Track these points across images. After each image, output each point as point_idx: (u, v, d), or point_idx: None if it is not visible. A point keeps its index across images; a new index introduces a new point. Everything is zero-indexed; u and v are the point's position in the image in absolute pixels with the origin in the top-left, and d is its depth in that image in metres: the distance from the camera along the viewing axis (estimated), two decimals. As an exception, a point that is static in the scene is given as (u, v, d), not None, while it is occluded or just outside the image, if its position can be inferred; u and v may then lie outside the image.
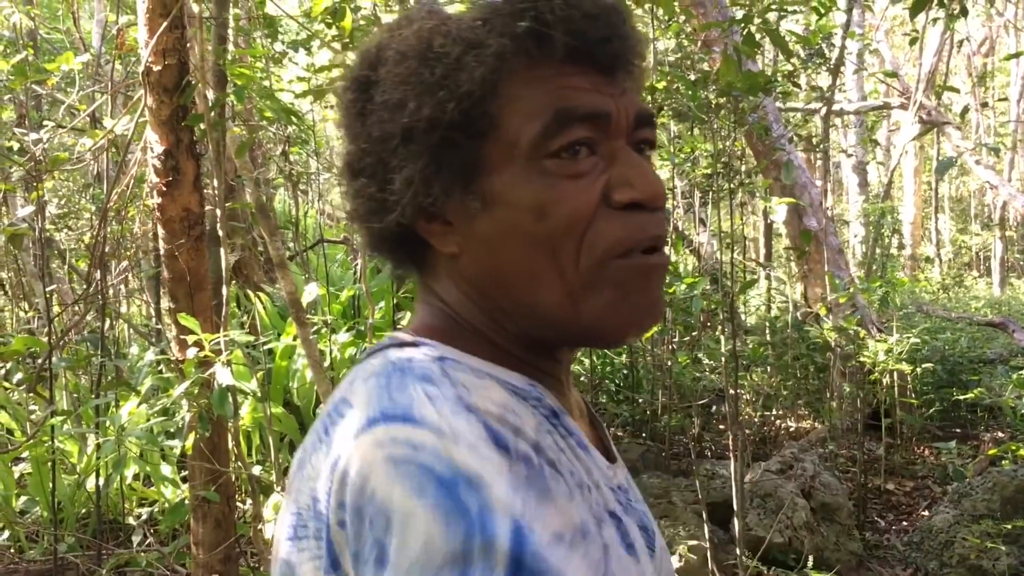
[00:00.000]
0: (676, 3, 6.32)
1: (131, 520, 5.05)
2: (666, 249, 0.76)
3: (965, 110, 6.65)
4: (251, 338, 4.13)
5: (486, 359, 0.72)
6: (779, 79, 4.61)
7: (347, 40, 4.16)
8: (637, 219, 0.70)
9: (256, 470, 4.92)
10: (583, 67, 0.71)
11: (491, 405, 0.63)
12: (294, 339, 5.56)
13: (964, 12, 5.53)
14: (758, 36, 4.12)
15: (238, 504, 4.92)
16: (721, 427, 6.42)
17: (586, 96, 0.70)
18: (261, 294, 6.63)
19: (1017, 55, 4.25)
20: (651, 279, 0.72)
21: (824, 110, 7.92)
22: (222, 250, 3.75)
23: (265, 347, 6.00)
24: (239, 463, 4.02)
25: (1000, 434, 6.55)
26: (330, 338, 5.56)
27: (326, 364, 5.24)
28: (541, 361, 0.77)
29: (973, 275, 18.60)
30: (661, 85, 4.72)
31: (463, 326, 0.75)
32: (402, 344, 0.72)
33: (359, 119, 0.74)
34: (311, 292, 5.73)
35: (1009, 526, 4.32)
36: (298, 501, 0.67)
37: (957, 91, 9.27)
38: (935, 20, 5.26)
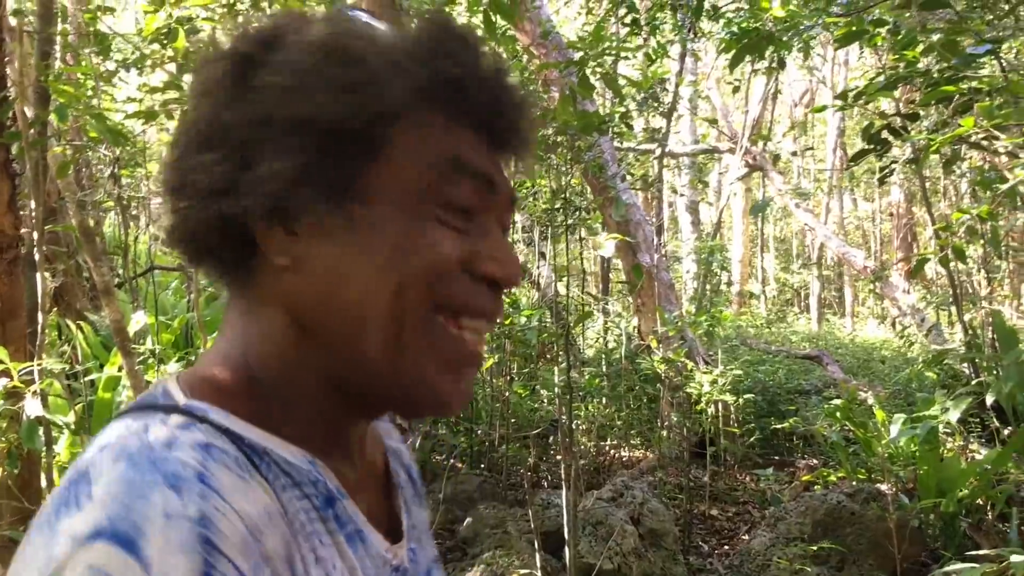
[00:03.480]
0: (518, 43, 6.51)
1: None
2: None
3: (776, 158, 7.10)
4: (65, 366, 3.91)
5: (271, 423, 0.66)
6: (615, 119, 4.80)
7: (181, 61, 4.06)
8: (487, 294, 0.70)
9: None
10: (483, 137, 0.71)
11: (237, 528, 0.56)
12: (119, 370, 5.31)
13: (782, 65, 5.96)
14: (593, 79, 4.30)
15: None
16: (558, 457, 6.55)
17: (481, 159, 0.70)
18: (83, 323, 6.30)
19: (822, 108, 4.62)
20: (470, 361, 0.71)
21: (659, 151, 8.31)
22: (39, 275, 3.56)
23: (88, 378, 5.70)
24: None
25: (814, 461, 6.98)
26: (158, 369, 5.34)
27: (153, 395, 5.03)
28: (336, 423, 0.72)
29: (794, 311, 19.82)
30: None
31: (257, 376, 0.69)
32: (172, 409, 0.64)
33: (231, 91, 0.68)
34: (138, 320, 5.49)
35: (817, 547, 4.61)
36: None
37: (769, 139, 9.90)
38: (756, 71, 5.65)
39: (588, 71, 4.17)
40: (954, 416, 4.81)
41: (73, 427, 4.38)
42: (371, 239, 0.66)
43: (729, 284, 16.63)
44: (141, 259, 9.24)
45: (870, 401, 6.21)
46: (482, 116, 0.71)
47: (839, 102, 4.29)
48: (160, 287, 8.68)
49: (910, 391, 6.93)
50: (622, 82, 5.40)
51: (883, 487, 5.32)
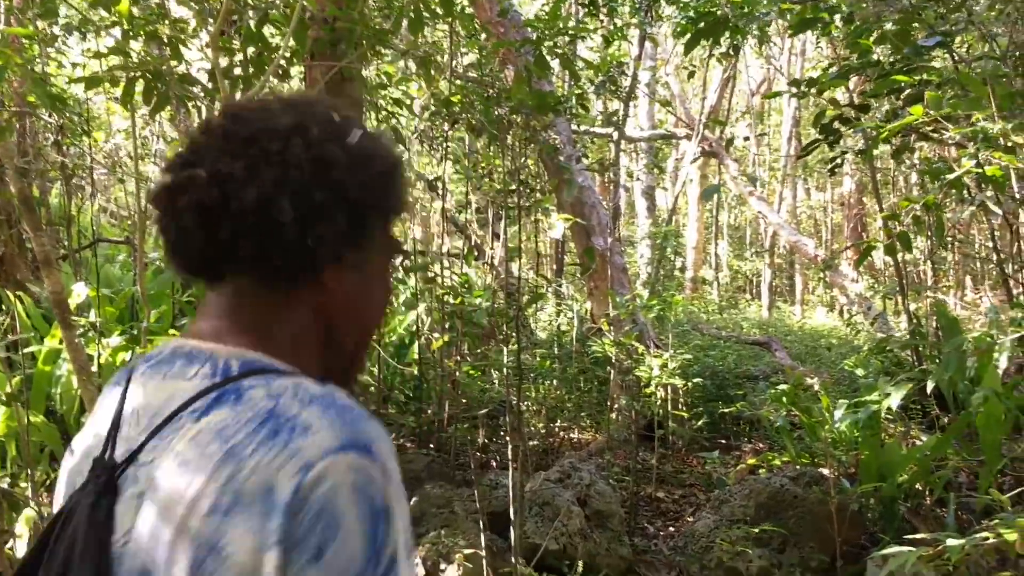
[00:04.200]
0: (476, 21, 6.45)
1: None
2: None
3: (730, 142, 7.13)
4: (3, 339, 3.80)
5: None
6: (571, 101, 4.77)
7: (126, 27, 3.94)
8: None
9: (6, 483, 4.53)
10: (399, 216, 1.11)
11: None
12: (60, 343, 5.18)
13: (736, 51, 5.98)
14: (550, 59, 4.27)
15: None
16: (507, 438, 6.55)
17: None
18: (23, 294, 6.13)
19: (776, 95, 4.64)
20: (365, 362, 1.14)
21: (616, 135, 8.30)
22: (-28, 242, 3.44)
23: (26, 350, 5.56)
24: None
25: (760, 445, 7.06)
26: (99, 342, 5.23)
27: (93, 369, 4.91)
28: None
29: (746, 298, 20.05)
30: (456, 99, 4.78)
31: (305, 353, 0.99)
32: (281, 371, 0.93)
33: (314, 169, 0.95)
34: (79, 293, 5.36)
35: (758, 530, 4.66)
36: (231, 484, 0.82)
37: (724, 124, 9.96)
38: (712, 56, 5.66)
39: (545, 51, 4.14)
40: (895, 402, 4.89)
41: (7, 399, 4.26)
42: (378, 280, 1.05)
43: (683, 270, 16.76)
44: (87, 231, 9.03)
45: (816, 387, 6.29)
46: (403, 208, 1.09)
47: (793, 89, 4.30)
48: (107, 260, 8.50)
49: (855, 378, 7.03)
50: (580, 64, 5.37)
51: (826, 471, 5.40)
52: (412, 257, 7.99)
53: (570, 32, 4.27)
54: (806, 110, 17.52)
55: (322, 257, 0.96)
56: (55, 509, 1.00)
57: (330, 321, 1.00)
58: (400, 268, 8.62)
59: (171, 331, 5.59)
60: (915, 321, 7.52)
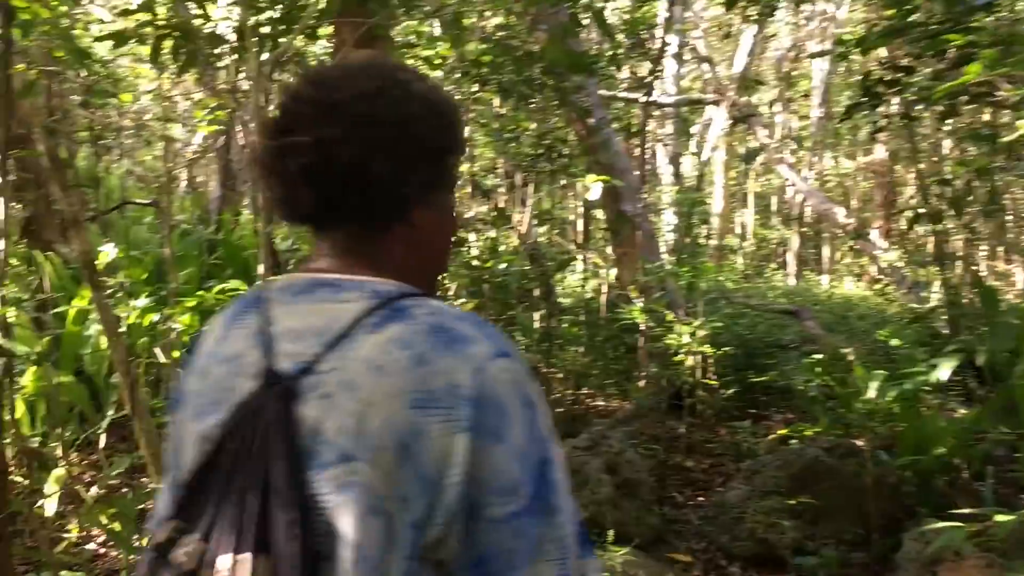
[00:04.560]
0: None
1: None
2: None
3: (772, 103, 6.93)
4: (30, 298, 3.76)
5: None
6: (603, 61, 4.64)
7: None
8: None
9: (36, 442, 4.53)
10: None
11: None
12: (89, 303, 5.16)
13: (773, 10, 5.81)
14: (583, 17, 4.15)
15: (18, 478, 4.54)
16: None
17: None
18: (52, 254, 6.12)
19: (822, 53, 4.46)
20: None
21: (645, 98, 8.15)
22: (1, 199, 3.39)
23: (55, 310, 5.55)
24: (14, 434, 3.67)
25: (791, 415, 6.96)
26: (128, 303, 5.20)
27: (122, 330, 4.89)
28: None
29: (772, 267, 19.82)
30: (487, 60, 4.67)
31: (413, 282, 1.13)
32: (423, 295, 1.10)
33: (398, 122, 1.11)
34: (107, 253, 5.33)
35: (793, 501, 4.59)
36: (424, 383, 0.98)
37: (764, 84, 9.75)
38: (748, 18, 5.50)
39: (578, 8, 4.02)
40: (944, 374, 4.76)
41: (37, 359, 4.25)
42: (448, 214, 1.20)
43: (708, 237, 16.57)
44: (115, 194, 9.01)
45: (851, 357, 6.16)
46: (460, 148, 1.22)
47: (838, 48, 4.16)
48: (133, 222, 8.48)
49: (889, 348, 6.89)
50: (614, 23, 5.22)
51: (860, 443, 5.31)
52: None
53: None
54: (837, 76, 17.18)
55: (412, 201, 1.13)
56: (183, 435, 1.12)
57: (419, 253, 1.16)
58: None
59: (199, 292, 5.55)
60: (952, 291, 7.38)
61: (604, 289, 6.36)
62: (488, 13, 4.87)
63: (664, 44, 7.25)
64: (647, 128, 8.76)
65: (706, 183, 17.82)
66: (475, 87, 5.05)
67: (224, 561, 0.95)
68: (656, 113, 12.64)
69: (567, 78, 4.58)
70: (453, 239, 1.26)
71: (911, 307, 9.04)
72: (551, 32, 4.15)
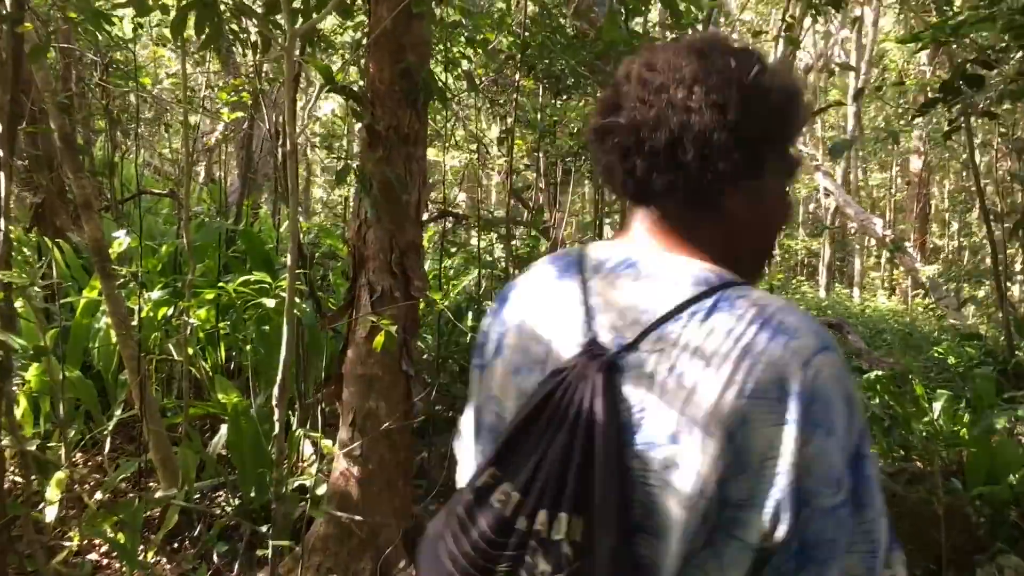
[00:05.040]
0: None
1: None
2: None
3: (859, 92, 6.58)
4: (39, 288, 3.41)
5: None
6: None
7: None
8: None
9: (36, 443, 4.18)
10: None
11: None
12: (99, 294, 4.83)
13: (838, 5, 5.43)
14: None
15: (18, 479, 4.21)
16: None
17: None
18: (62, 241, 5.78)
19: (911, 39, 4.04)
20: None
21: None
22: (2, 174, 3.04)
23: (63, 301, 5.21)
24: (12, 435, 3.32)
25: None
26: (140, 295, 4.85)
27: (133, 324, 4.54)
28: None
29: (799, 278, 19.35)
30: (537, 42, 4.29)
31: (734, 266, 1.13)
32: (746, 285, 1.11)
33: (741, 113, 1.11)
34: (120, 241, 4.98)
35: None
36: (752, 374, 1.01)
37: (853, 68, 9.38)
38: (815, 11, 5.16)
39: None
40: None
41: (41, 352, 3.90)
42: (777, 199, 1.20)
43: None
44: (130, 183, 8.70)
45: (911, 375, 5.76)
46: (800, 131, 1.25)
47: (927, 35, 3.77)
48: (148, 212, 8.15)
49: (944, 365, 6.48)
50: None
51: (920, 466, 4.91)
52: (466, 221, 7.55)
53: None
54: (872, 84, 16.74)
55: (724, 187, 1.12)
56: (497, 385, 1.21)
57: (733, 238, 1.15)
58: (454, 234, 8.18)
59: (220, 284, 5.20)
60: (1007, 303, 6.96)
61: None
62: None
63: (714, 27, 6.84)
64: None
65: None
66: (516, 75, 4.67)
67: (543, 516, 1.02)
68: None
69: (616, 64, 4.20)
70: (778, 227, 1.24)
71: (952, 323, 8.62)
72: (610, 10, 3.76)
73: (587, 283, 1.14)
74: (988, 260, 7.61)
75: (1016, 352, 6.18)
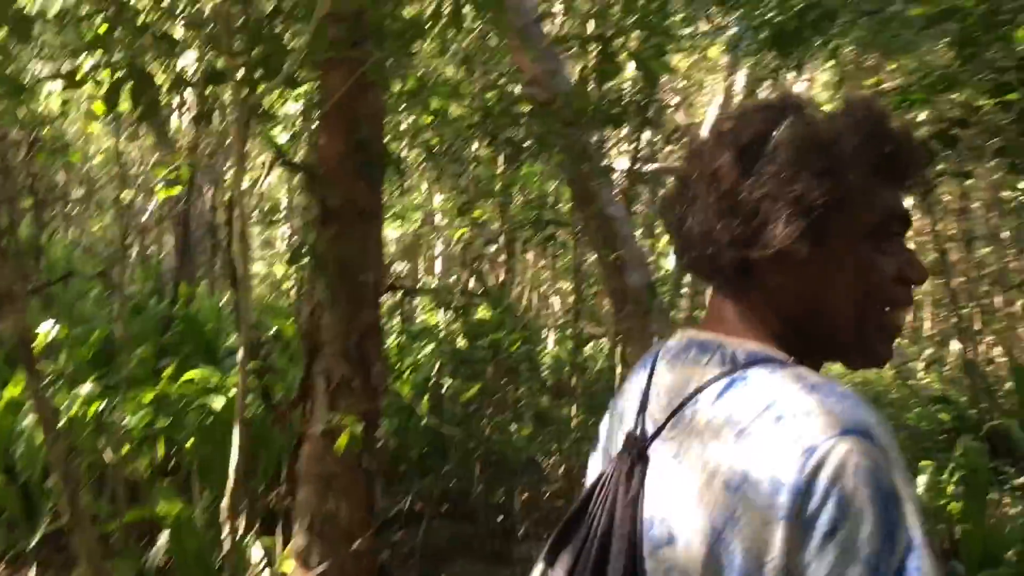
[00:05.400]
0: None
1: None
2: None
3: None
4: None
5: None
6: (628, 111, 4.08)
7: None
8: (907, 291, 1.06)
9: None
10: (901, 184, 1.06)
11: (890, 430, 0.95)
12: (24, 392, 4.41)
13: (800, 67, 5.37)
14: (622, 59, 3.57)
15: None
16: (548, 498, 5.76)
17: (902, 206, 1.06)
18: (-17, 333, 5.31)
19: (905, 99, 3.90)
20: (899, 332, 1.07)
21: (631, 165, 7.63)
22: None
23: (-18, 400, 4.75)
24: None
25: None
26: (69, 391, 4.44)
27: (61, 424, 4.12)
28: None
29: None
30: (498, 110, 4.07)
31: (782, 343, 1.04)
32: (782, 362, 1.01)
33: (742, 176, 1.03)
34: (48, 331, 4.58)
35: None
36: (742, 462, 0.92)
37: None
38: (776, 71, 5.09)
39: (617, 46, 3.44)
40: None
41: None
42: (838, 267, 1.03)
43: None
44: (59, 265, 8.24)
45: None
46: (904, 174, 1.06)
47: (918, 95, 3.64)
48: (78, 296, 7.68)
49: (917, 433, 6.31)
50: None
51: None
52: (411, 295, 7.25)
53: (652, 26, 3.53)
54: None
55: (757, 260, 1.03)
56: (591, 477, 1.18)
57: (788, 313, 1.05)
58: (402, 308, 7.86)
59: (160, 377, 4.80)
60: (974, 369, 6.86)
61: (618, 369, 5.71)
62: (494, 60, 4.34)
63: (656, 103, 6.73)
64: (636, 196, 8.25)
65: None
66: (478, 143, 4.45)
67: None
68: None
69: (586, 132, 3.99)
70: (857, 294, 1.04)
71: (908, 384, 8.54)
72: (580, 76, 3.56)
73: (654, 370, 1.12)
74: (953, 321, 7.57)
75: (989, 417, 6.05)
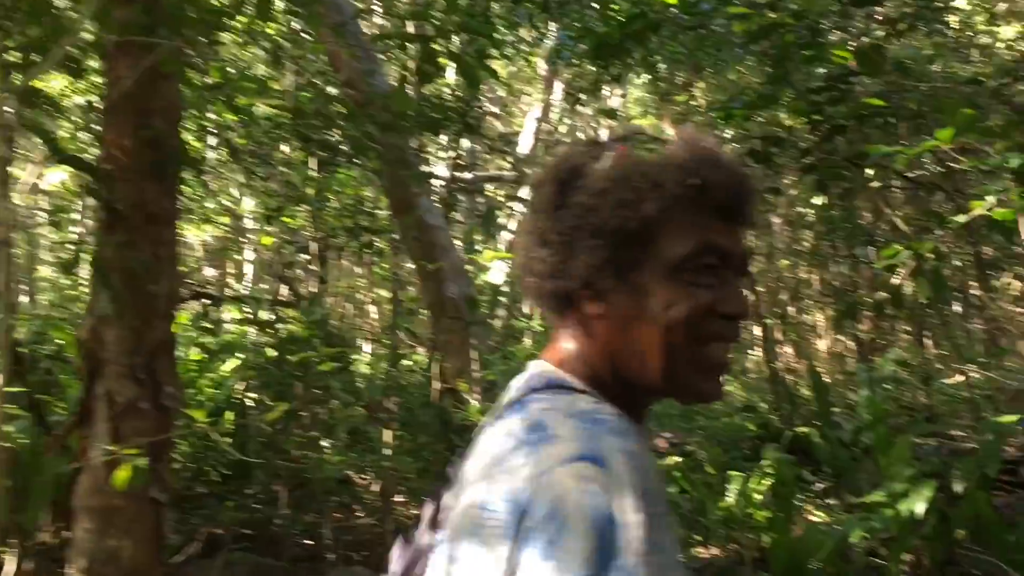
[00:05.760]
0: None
1: None
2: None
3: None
4: None
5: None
6: (453, 117, 3.90)
7: None
8: (729, 325, 1.03)
9: None
10: (723, 218, 1.04)
11: (643, 461, 0.93)
12: None
13: (619, 79, 5.38)
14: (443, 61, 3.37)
15: None
16: (361, 518, 5.47)
17: (720, 238, 1.03)
18: None
19: (727, 113, 3.91)
20: (723, 368, 1.05)
21: (451, 173, 7.50)
22: None
23: None
24: None
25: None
26: None
27: None
28: (634, 408, 1.06)
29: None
30: (311, 110, 3.79)
31: (594, 373, 1.05)
32: (572, 389, 1.02)
33: (553, 208, 1.05)
34: None
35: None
36: (490, 483, 0.92)
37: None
38: (598, 83, 5.06)
39: (438, 47, 3.25)
40: (920, 508, 4.16)
41: None
42: (647, 299, 1.02)
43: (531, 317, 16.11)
44: None
45: (702, 456, 5.66)
46: (721, 206, 1.04)
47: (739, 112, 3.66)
48: None
49: (723, 443, 6.47)
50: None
51: (721, 555, 4.75)
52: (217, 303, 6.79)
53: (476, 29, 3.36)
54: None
55: (576, 291, 1.05)
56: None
57: (606, 344, 1.05)
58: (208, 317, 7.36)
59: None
60: (780, 379, 7.14)
61: (435, 384, 5.49)
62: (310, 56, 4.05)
63: (483, 114, 6.63)
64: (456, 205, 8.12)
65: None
66: (288, 145, 4.15)
67: None
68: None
69: (403, 136, 3.78)
70: (674, 325, 1.01)
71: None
72: (401, 78, 3.34)
73: None
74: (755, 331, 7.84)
75: (791, 426, 6.28)
